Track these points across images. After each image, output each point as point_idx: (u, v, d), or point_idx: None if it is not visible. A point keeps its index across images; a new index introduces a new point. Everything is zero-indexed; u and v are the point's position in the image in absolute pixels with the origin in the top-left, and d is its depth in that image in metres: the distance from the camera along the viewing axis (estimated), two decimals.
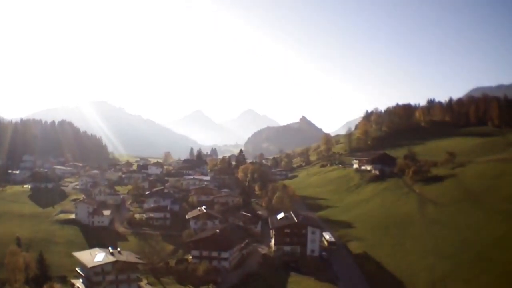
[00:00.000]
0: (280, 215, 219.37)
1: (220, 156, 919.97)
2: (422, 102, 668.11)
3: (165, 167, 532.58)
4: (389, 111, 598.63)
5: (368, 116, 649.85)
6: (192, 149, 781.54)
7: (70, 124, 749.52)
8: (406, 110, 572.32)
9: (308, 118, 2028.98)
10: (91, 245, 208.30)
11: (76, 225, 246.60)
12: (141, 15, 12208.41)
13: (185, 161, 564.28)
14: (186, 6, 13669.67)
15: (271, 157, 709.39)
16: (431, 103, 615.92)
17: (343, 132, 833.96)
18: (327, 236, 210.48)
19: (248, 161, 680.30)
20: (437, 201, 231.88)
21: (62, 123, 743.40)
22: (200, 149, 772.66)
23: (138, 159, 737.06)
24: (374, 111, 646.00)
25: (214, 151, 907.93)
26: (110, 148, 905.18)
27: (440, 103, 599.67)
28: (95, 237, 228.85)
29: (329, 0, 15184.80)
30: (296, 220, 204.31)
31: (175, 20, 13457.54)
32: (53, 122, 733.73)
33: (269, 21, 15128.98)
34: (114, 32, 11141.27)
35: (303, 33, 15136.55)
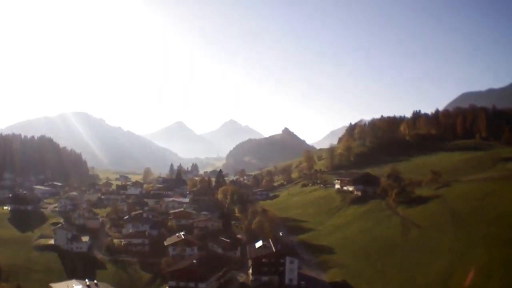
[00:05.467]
0: (258, 243, 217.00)
1: (201, 170, 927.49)
2: (408, 114, 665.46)
3: (144, 185, 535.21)
4: (373, 124, 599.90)
5: (351, 129, 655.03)
6: (172, 165, 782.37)
7: (50, 140, 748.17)
8: (390, 123, 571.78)
9: (291, 128, 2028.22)
10: (69, 273, 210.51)
11: (55, 251, 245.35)
12: (123, 27, 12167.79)
13: (165, 181, 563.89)
14: (167, 18, 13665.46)
15: (253, 173, 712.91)
16: (416, 115, 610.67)
17: (327, 142, 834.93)
18: None
19: (230, 177, 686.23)
20: (420, 224, 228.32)
21: (42, 138, 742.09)
22: (180, 165, 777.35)
23: (118, 176, 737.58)
24: (358, 123, 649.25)
25: (195, 166, 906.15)
26: (90, 162, 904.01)
27: (426, 115, 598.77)
28: (74, 264, 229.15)
29: (314, 6, 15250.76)
30: (274, 250, 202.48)
31: (155, 32, 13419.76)
32: (33, 137, 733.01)
33: (250, 32, 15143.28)
34: (95, 43, 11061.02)
35: (284, 43, 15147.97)
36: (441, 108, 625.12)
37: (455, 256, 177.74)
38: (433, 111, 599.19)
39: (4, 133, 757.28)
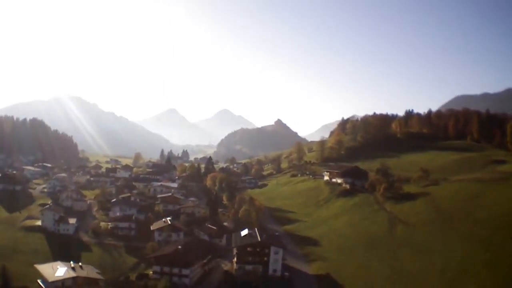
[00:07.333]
0: (244, 232, 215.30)
1: (192, 157, 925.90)
2: (401, 113, 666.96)
3: (134, 169, 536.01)
4: (365, 120, 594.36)
5: (343, 124, 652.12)
6: (162, 151, 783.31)
7: (41, 122, 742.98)
8: (382, 121, 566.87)
9: (284, 120, 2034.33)
10: (55, 255, 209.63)
11: (41, 233, 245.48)
12: (116, 12, 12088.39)
13: (154, 165, 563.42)
14: (163, 5, 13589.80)
15: (243, 161, 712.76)
16: (409, 114, 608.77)
17: (319, 135, 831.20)
18: None
19: (220, 164, 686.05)
20: (407, 221, 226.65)
21: (34, 120, 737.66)
22: (171, 151, 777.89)
23: (109, 159, 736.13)
24: (351, 118, 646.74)
25: (185, 153, 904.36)
26: (82, 146, 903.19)
27: (418, 114, 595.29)
28: (60, 246, 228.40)
29: (309, 4, 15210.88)
30: (259, 239, 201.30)
31: (150, 18, 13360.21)
32: (25, 119, 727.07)
33: (247, 26, 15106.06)
34: (89, 26, 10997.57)
35: (279, 36, 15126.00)
36: (434, 109, 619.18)
37: (440, 254, 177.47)
38: (426, 112, 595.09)
39: None
